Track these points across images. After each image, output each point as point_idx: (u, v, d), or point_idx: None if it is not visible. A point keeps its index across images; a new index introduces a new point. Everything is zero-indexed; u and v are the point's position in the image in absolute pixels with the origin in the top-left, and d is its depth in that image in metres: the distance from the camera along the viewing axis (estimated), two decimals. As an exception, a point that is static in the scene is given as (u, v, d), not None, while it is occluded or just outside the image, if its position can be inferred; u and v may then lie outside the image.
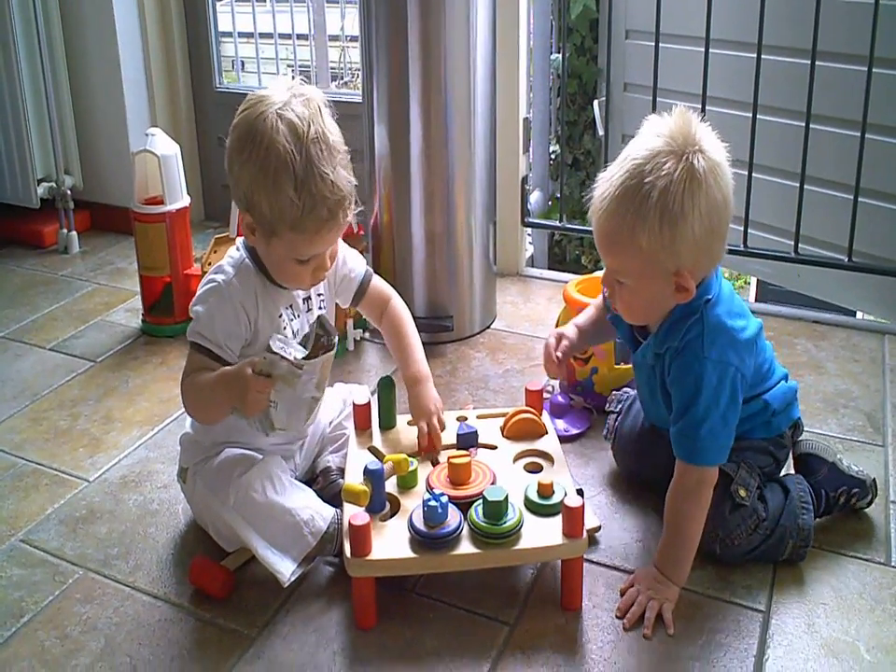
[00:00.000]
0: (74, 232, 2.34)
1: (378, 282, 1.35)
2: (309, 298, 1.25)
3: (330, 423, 1.39)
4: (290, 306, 1.23)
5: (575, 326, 1.33)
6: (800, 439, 1.31)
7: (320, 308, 1.28)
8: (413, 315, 1.83)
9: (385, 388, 1.33)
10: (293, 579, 1.15)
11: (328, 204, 1.09)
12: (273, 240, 1.13)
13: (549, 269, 2.37)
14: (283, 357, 1.07)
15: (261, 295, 1.19)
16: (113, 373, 1.76)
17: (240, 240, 1.22)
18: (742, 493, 1.17)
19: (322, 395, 1.12)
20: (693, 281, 1.08)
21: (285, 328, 1.21)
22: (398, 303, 1.36)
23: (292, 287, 1.22)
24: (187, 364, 1.18)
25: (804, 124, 1.84)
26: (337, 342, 1.10)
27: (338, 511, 1.20)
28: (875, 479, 1.28)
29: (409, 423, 1.31)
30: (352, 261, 1.33)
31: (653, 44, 1.94)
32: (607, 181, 1.08)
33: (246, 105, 1.11)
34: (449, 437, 1.29)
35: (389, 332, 1.35)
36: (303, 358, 1.09)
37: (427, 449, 1.27)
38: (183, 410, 1.31)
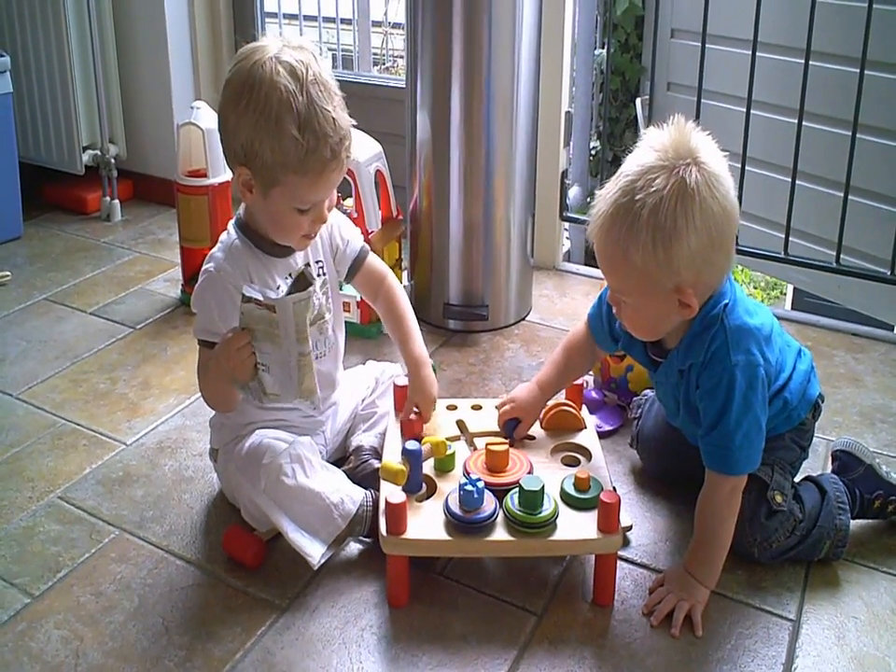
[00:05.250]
0: (116, 201, 2.36)
1: (374, 259, 1.34)
2: (308, 265, 1.23)
3: (363, 401, 1.40)
4: (289, 275, 1.20)
5: (536, 384, 1.30)
6: (837, 438, 1.29)
7: (320, 275, 1.26)
8: (447, 301, 1.87)
9: (424, 371, 1.33)
10: (322, 561, 1.16)
11: (330, 143, 1.09)
12: (274, 190, 1.12)
13: (585, 265, 2.35)
14: (255, 302, 1.04)
15: (255, 271, 1.19)
16: (152, 341, 1.78)
17: (231, 222, 1.22)
18: (778, 498, 1.16)
19: (309, 350, 1.08)
20: (698, 296, 1.06)
21: None
22: (393, 282, 1.35)
23: (290, 242, 1.20)
24: (198, 361, 1.20)
25: (850, 133, 1.81)
26: (313, 290, 1.06)
27: (367, 493, 1.21)
28: None
29: (406, 406, 1.28)
30: (347, 232, 1.31)
31: (699, 44, 1.92)
32: (602, 199, 1.06)
33: (240, 58, 1.12)
34: (490, 424, 1.29)
35: (386, 311, 1.34)
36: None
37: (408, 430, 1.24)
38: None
